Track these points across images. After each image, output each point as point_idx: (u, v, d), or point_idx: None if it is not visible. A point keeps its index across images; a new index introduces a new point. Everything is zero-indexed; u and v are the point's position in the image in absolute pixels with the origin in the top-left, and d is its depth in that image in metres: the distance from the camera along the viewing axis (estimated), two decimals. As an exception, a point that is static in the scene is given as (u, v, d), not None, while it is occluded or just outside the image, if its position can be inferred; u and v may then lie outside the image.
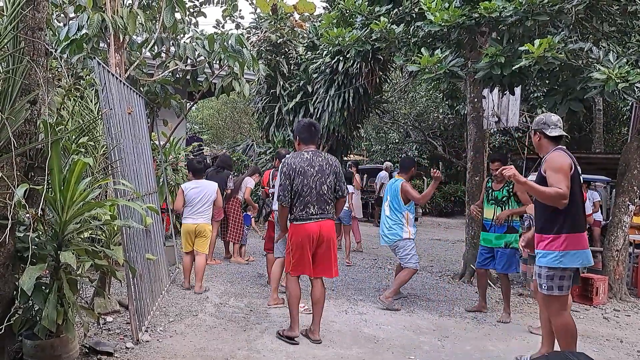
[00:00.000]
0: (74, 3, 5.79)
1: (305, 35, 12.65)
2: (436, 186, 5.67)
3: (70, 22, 5.83)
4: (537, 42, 4.35)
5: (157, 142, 7.90)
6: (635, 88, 4.17)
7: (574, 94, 4.92)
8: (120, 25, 5.35)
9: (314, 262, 4.39)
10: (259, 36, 11.49)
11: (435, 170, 5.72)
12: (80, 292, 4.65)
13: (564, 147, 3.90)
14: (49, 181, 3.11)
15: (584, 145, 20.13)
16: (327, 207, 4.34)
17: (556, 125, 3.84)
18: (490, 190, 5.53)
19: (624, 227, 6.73)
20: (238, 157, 13.71)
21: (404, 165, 6.12)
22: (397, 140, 22.80)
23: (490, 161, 5.59)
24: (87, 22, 5.34)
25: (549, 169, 3.67)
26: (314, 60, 12.28)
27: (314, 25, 12.59)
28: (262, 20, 11.50)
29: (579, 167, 3.77)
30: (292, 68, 12.72)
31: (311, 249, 4.34)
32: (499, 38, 5.31)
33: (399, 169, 6.25)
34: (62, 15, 6.38)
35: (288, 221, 4.48)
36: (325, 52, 11.78)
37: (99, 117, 4.41)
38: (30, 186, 3.03)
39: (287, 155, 4.66)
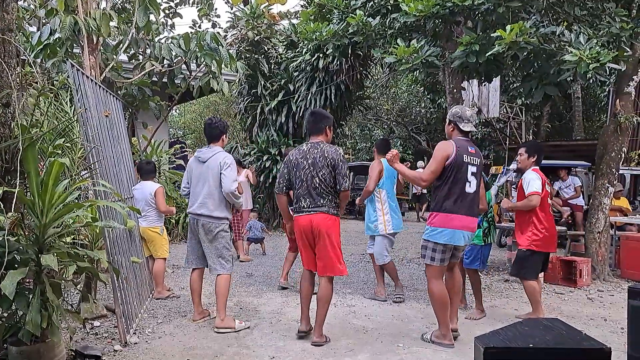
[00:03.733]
0: (45, 6, 5.72)
1: (283, 31, 12.64)
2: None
3: (43, 27, 5.77)
4: (508, 27, 4.40)
5: (138, 146, 7.85)
6: (606, 68, 4.25)
7: (549, 79, 4.99)
8: (93, 27, 5.30)
9: (317, 259, 4.28)
10: (236, 35, 11.44)
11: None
12: (67, 298, 4.62)
13: (468, 139, 4.26)
14: (26, 184, 3.08)
15: (565, 133, 20.40)
16: (321, 201, 4.16)
17: (469, 121, 4.23)
18: None
19: (604, 210, 6.84)
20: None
21: (384, 147, 5.78)
22: (381, 137, 22.89)
23: None
24: (59, 25, 5.28)
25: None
26: (294, 59, 12.27)
27: (292, 23, 12.59)
28: (239, 19, 11.46)
29: (468, 158, 4.11)
30: (272, 67, 12.68)
31: (309, 243, 4.27)
32: (473, 27, 5.37)
33: (378, 151, 5.89)
34: (35, 18, 6.31)
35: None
36: (305, 50, 11.78)
37: (75, 119, 4.37)
38: (6, 189, 3.00)
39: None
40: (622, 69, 5.69)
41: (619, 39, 5.14)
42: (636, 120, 6.78)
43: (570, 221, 9.70)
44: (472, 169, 4.13)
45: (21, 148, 3.13)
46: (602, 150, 6.90)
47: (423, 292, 6.09)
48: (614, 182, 6.94)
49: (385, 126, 22.47)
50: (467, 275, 5.36)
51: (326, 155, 4.16)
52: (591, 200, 7.21)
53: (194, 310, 4.91)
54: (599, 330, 4.67)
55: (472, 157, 4.15)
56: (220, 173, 4.61)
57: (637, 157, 12.35)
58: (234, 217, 7.93)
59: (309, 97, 11.99)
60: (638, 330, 2.64)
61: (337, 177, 4.16)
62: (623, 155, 6.95)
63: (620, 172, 9.40)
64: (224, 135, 4.85)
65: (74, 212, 3.42)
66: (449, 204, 4.07)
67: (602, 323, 4.92)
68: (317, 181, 4.15)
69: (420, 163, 16.80)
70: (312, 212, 4.18)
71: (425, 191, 16.46)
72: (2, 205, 2.94)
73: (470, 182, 4.12)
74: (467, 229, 4.13)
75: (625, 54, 5.25)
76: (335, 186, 4.20)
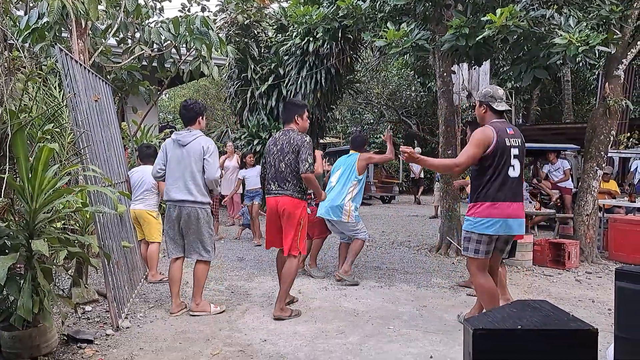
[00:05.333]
0: (32, -10, 5.62)
1: (273, 15, 12.54)
2: (392, 143, 5.85)
3: (31, 10, 5.68)
4: (498, 11, 4.39)
5: (128, 131, 7.80)
6: (595, 51, 4.26)
7: (538, 62, 5.00)
8: (81, 11, 5.22)
9: (283, 238, 4.63)
10: (226, 19, 11.33)
11: (387, 130, 5.86)
12: (58, 283, 4.61)
13: (504, 120, 3.97)
14: (16, 170, 3.06)
15: (555, 116, 20.52)
16: (286, 184, 4.53)
17: (502, 99, 3.95)
18: None
19: (592, 192, 6.91)
20: (213, 145, 13.61)
21: (357, 143, 6.01)
22: (372, 121, 22.87)
23: None
24: (47, 9, 5.20)
25: (468, 141, 3.91)
26: (284, 42, 12.20)
27: (282, 6, 12.49)
28: (228, 3, 11.35)
29: (510, 141, 3.82)
30: (262, 51, 12.61)
31: (275, 223, 4.64)
32: (463, 10, 5.35)
33: (352, 146, 6.05)
34: (22, 2, 6.20)
35: None
36: (295, 34, 11.70)
37: (64, 104, 4.33)
38: (-4, 175, 2.99)
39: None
40: (612, 52, 5.71)
41: (608, 22, 5.16)
42: (625, 103, 6.83)
43: (559, 204, 9.80)
44: (514, 151, 3.84)
45: (10, 133, 3.10)
46: (591, 134, 6.95)
47: (413, 275, 6.15)
48: (602, 165, 7.00)
49: (376, 110, 22.44)
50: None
51: (292, 141, 4.51)
52: (580, 183, 7.28)
53: (172, 302, 4.69)
54: (587, 312, 4.74)
55: (513, 139, 3.85)
56: (204, 159, 4.48)
57: (625, 140, 12.46)
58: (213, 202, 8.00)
59: (299, 81, 11.95)
60: (625, 312, 2.69)
61: (299, 161, 4.47)
62: (612, 139, 7.01)
63: (609, 155, 9.50)
64: (201, 117, 4.68)
65: (64, 197, 3.40)
66: (493, 192, 3.79)
67: (590, 304, 5.00)
68: (283, 166, 4.52)
69: (418, 149, 16.82)
70: (278, 195, 4.56)
71: (422, 175, 16.49)
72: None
73: (513, 165, 3.84)
74: (515, 217, 3.85)
75: (614, 36, 5.27)
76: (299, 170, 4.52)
